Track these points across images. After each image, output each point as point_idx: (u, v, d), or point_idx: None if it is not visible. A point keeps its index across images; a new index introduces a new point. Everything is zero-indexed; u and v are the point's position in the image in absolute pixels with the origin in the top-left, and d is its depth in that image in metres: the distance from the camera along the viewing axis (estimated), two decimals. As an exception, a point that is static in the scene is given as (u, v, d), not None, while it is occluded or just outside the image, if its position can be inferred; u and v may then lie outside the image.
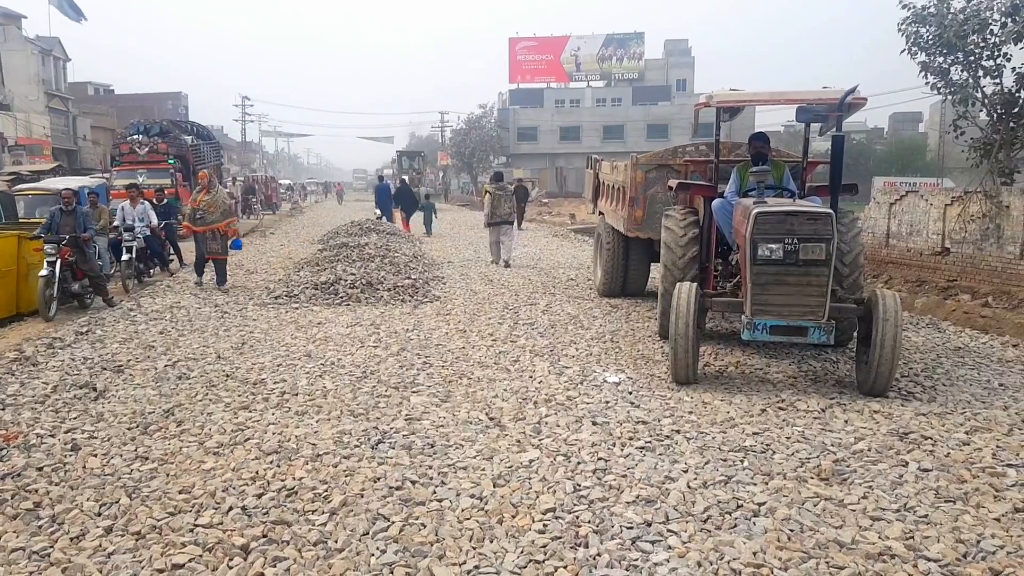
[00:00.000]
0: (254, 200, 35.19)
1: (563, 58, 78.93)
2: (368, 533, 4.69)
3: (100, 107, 61.26)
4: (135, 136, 26.32)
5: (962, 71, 16.39)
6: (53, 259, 11.52)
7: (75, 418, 6.68)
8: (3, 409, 6.92)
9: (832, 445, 6.05)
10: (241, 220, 31.78)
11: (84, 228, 11.90)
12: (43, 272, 11.36)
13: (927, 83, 16.70)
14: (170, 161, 24.86)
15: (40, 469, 5.62)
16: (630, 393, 7.36)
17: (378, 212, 28.67)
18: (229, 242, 14.18)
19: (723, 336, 9.92)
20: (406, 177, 36.37)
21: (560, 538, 4.61)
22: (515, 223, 19.55)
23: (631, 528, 4.73)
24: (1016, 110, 16.13)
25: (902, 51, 16.48)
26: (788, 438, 6.19)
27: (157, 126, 27.37)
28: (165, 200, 17.01)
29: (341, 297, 12.53)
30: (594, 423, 6.48)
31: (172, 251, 16.81)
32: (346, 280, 13.19)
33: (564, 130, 73.77)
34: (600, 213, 14.06)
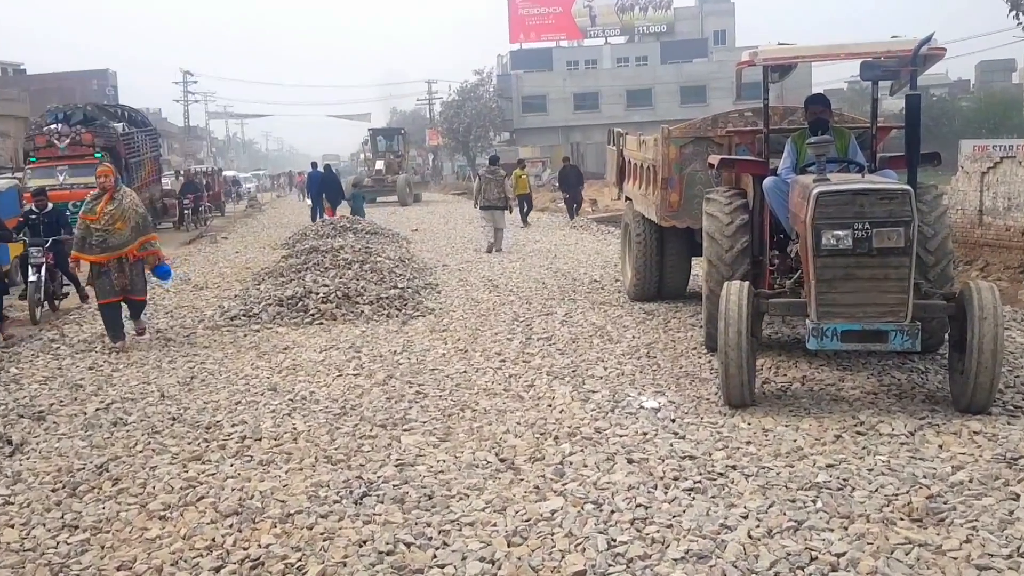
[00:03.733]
0: (199, 201, 33.69)
1: (574, 10, 79.16)
2: (353, 611, 4.65)
3: (8, 91, 61.15)
4: (53, 125, 26.38)
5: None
6: (40, 262, 13.42)
7: (-11, 479, 6.65)
8: (-99, 471, 6.90)
9: (924, 477, 5.98)
10: (183, 229, 31.80)
11: (59, 228, 13.73)
12: (32, 277, 13.39)
13: (1019, 23, 16.62)
14: (97, 155, 24.82)
15: (-53, 545, 5.58)
16: (673, 421, 7.31)
17: (310, 202, 31.34)
18: (148, 271, 11.51)
19: (784, 345, 9.88)
20: (331, 164, 37.70)
21: (592, 608, 4.55)
22: (506, 209, 21.44)
23: (680, 592, 4.66)
24: None
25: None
26: (870, 470, 6.12)
27: (80, 112, 27.43)
28: (49, 206, 14.29)
29: (312, 315, 12.54)
30: (630, 460, 6.43)
31: (65, 281, 14.68)
32: (318, 293, 13.19)
33: (579, 98, 74.02)
34: (627, 199, 14.07)
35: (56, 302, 14.45)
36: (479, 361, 9.72)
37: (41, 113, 29.70)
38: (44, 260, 13.60)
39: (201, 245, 25.64)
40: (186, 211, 31.68)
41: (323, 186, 30.72)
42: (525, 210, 28.07)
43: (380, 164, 47.01)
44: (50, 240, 13.77)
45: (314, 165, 34.93)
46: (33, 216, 14.16)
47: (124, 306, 11.45)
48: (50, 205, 14.32)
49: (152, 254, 11.36)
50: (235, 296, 14.70)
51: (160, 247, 11.63)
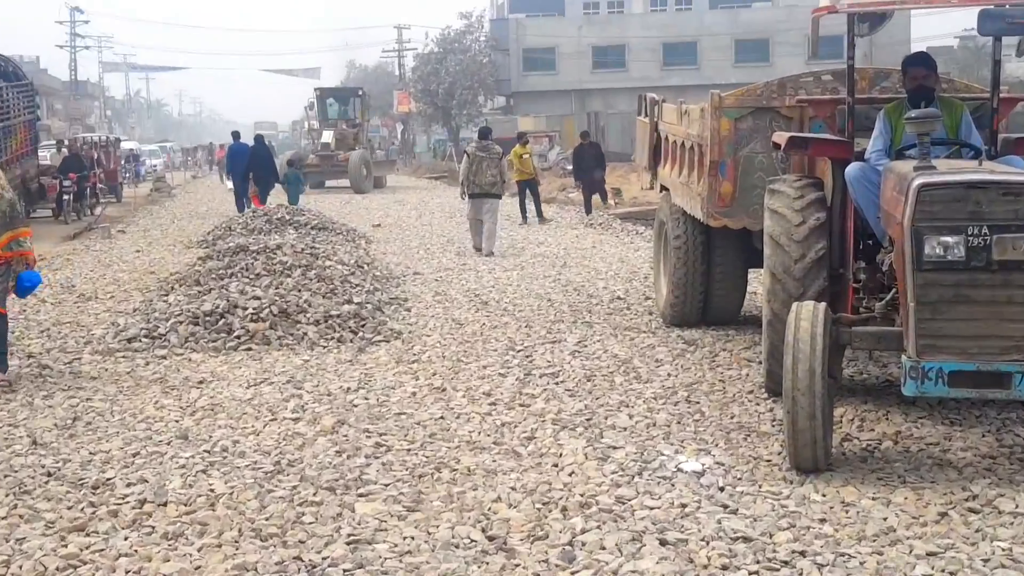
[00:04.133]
0: (86, 182, 33.25)
1: (594, -65, 79.43)
2: None
3: None
4: None
5: None
6: None
7: None
8: None
9: (1060, 571, 5.96)
10: (63, 220, 31.68)
11: None
12: None
13: None
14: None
15: None
16: (721, 490, 7.31)
17: (230, 185, 32.12)
18: (10, 282, 10.73)
19: (872, 390, 9.87)
20: (263, 134, 37.46)
21: None
22: (501, 198, 22.00)
23: None
24: None
25: None
26: (986, 561, 6.11)
27: (-73, 60, 27.40)
28: None
29: (238, 337, 12.54)
30: (663, 542, 6.42)
31: None
32: (246, 308, 13.18)
33: (600, 52, 74.36)
34: (663, 188, 14.09)
35: None
36: (461, 404, 9.72)
37: None
38: None
39: (89, 241, 25.64)
40: (66, 196, 31.34)
41: (251, 164, 30.77)
42: (526, 201, 28.11)
43: (328, 136, 47.19)
44: None
45: (236, 136, 34.71)
46: None
47: None
48: None
49: (19, 256, 10.62)
50: (134, 310, 14.67)
51: (31, 246, 10.94)
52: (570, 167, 47.90)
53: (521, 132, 38.06)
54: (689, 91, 33.23)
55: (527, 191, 28.42)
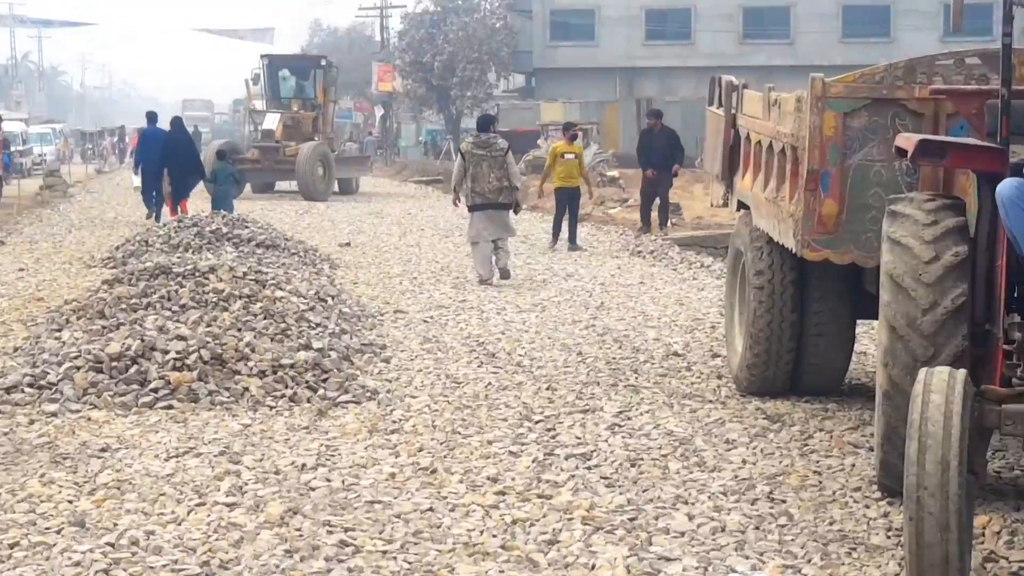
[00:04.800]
0: None
1: None
2: None
3: None
4: None
5: None
6: None
7: None
8: None
9: None
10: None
11: None
12: None
13: None
14: None
15: None
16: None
17: (137, 182, 33.52)
18: None
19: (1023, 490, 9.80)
20: (181, 117, 37.15)
21: None
22: (511, 208, 22.40)
23: None
24: None
25: None
26: None
27: None
28: None
29: (155, 390, 12.57)
30: None
31: None
32: (167, 351, 13.21)
33: (656, 18, 74.63)
34: (740, 205, 14.07)
35: None
36: (457, 491, 9.69)
37: None
38: None
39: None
40: None
41: (166, 156, 31.38)
42: (569, 222, 27.91)
43: (273, 121, 47.42)
44: None
45: (152, 118, 35.38)
46: None
47: None
48: None
49: None
50: (15, 350, 14.71)
51: None
52: (611, 173, 48.08)
53: (569, 123, 36.80)
54: (779, 74, 33.22)
55: (566, 207, 28.03)
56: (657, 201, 30.07)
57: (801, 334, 12.83)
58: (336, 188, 46.70)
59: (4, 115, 68.40)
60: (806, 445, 11.17)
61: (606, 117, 66.95)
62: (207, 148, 38.94)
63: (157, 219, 32.16)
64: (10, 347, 15.00)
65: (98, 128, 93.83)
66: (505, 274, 21.58)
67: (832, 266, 11.97)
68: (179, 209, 31.23)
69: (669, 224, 30.35)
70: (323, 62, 52.46)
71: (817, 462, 10.61)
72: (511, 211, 22.24)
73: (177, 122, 33.83)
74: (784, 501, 9.49)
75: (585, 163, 41.23)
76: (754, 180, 13.54)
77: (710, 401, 12.86)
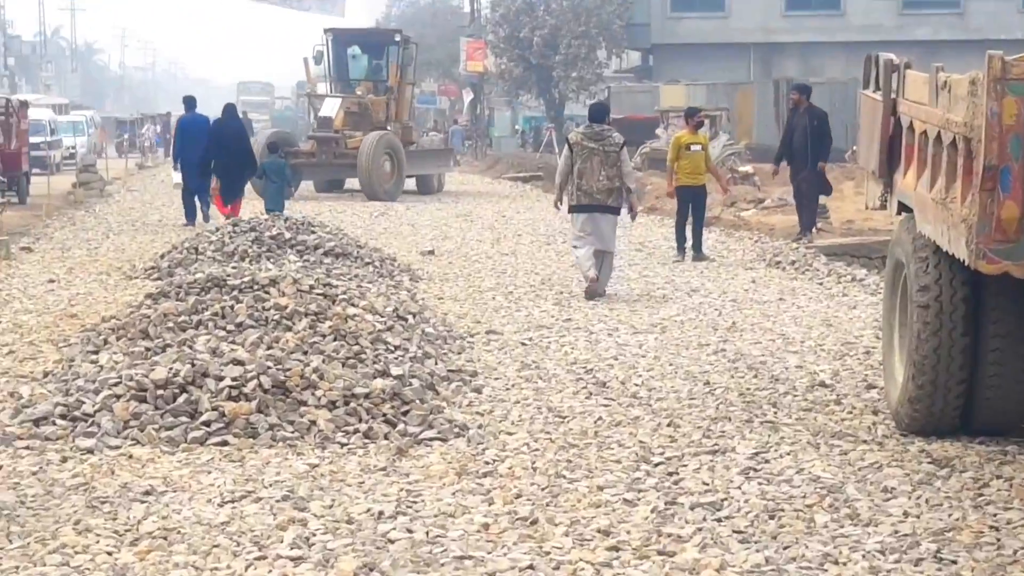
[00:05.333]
0: None
1: None
2: None
3: None
4: None
5: None
6: None
7: None
8: None
9: None
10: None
11: None
12: None
13: None
14: None
15: None
16: None
17: (178, 179, 34.32)
18: None
19: None
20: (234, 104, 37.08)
21: None
22: (618, 212, 22.33)
23: None
24: None
25: None
26: None
27: None
28: None
29: (208, 424, 12.59)
30: None
31: None
32: (221, 378, 13.24)
33: (795, -18, 74.41)
34: (902, 208, 13.93)
35: None
36: (562, 546, 9.63)
37: None
38: None
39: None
40: None
41: (211, 147, 31.81)
42: (693, 226, 27.63)
43: (332, 107, 46.85)
44: None
45: (190, 104, 35.76)
46: None
47: None
48: None
49: None
50: (45, 376, 14.81)
51: None
52: (744, 168, 47.76)
53: (693, 108, 36.06)
54: (947, 50, 32.97)
55: (691, 208, 27.72)
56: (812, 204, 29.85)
57: (975, 361, 12.70)
58: (414, 187, 46.54)
59: (34, 100, 69.09)
60: (980, 495, 10.99)
61: (738, 102, 66.66)
62: (257, 139, 38.86)
63: (197, 221, 32.87)
64: (39, 372, 15.10)
65: (137, 115, 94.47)
66: (600, 292, 21.50)
67: (1013, 280, 11.88)
68: (223, 207, 31.83)
69: (814, 230, 30.13)
70: (398, 37, 51.11)
71: (994, 515, 10.43)
72: (624, 215, 22.35)
73: (230, 109, 34.04)
74: (955, 562, 9.35)
75: (713, 156, 41.15)
76: (918, 178, 13.40)
77: (864, 441, 12.70)
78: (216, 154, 31.23)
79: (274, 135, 41.46)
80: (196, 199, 33.09)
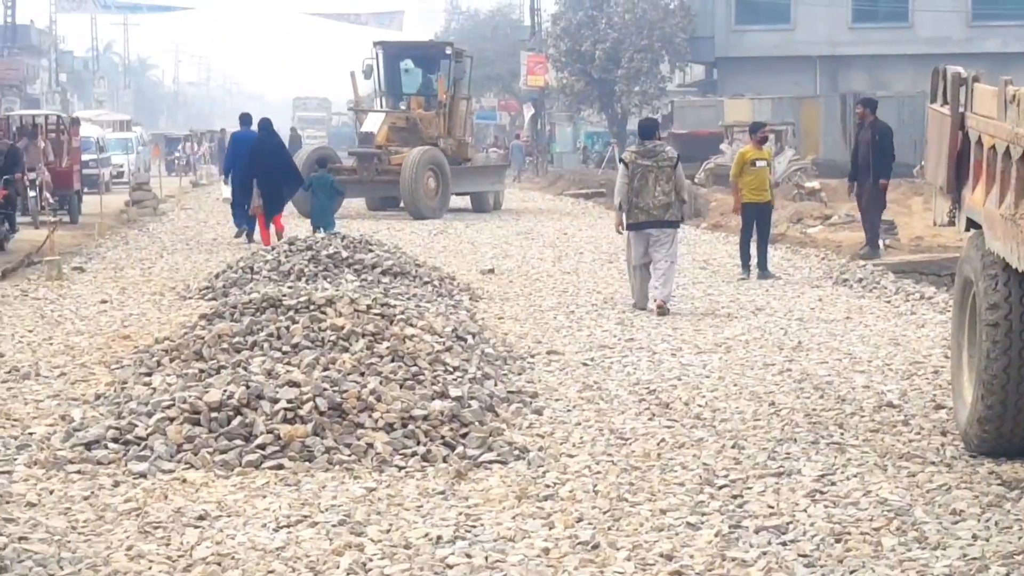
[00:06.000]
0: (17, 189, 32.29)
1: None
2: None
3: None
4: None
5: None
6: None
7: None
8: None
9: None
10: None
11: None
12: None
13: None
14: None
15: None
16: None
17: (227, 192, 35.49)
18: None
19: None
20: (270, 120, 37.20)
21: None
22: (678, 226, 23.16)
23: None
24: None
25: None
26: None
27: None
28: None
29: (262, 447, 12.60)
30: None
31: None
32: (276, 400, 13.26)
33: (860, -3, 74.32)
34: (971, 224, 13.88)
35: None
36: (624, 571, 9.60)
37: None
38: None
39: (28, 283, 26.15)
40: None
41: (258, 164, 32.54)
42: (758, 243, 27.51)
43: (375, 122, 46.81)
44: None
45: (245, 120, 36.61)
46: None
47: None
48: None
49: None
50: (97, 398, 14.86)
51: None
52: (811, 184, 47.67)
53: (757, 123, 35.99)
54: (1018, 62, 32.92)
55: (755, 225, 27.71)
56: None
57: (1045, 381, 12.67)
58: (468, 204, 46.37)
59: (94, 117, 69.31)
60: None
61: (803, 115, 66.52)
62: (304, 154, 38.96)
63: (249, 237, 33.50)
64: (91, 394, 15.14)
65: (189, 131, 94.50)
66: (663, 309, 21.67)
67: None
68: (272, 226, 32.19)
69: (882, 245, 30.09)
70: (449, 50, 50.67)
71: (1068, 539, 10.46)
72: (677, 228, 22.63)
73: (266, 124, 34.45)
74: (1027, 594, 9.38)
75: (779, 171, 40.99)
76: (988, 194, 13.34)
77: (932, 463, 12.64)
78: (255, 170, 31.97)
79: (319, 150, 41.49)
80: (244, 213, 33.75)
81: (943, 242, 27.31)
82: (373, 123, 46.40)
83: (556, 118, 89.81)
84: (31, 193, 40.04)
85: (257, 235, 32.73)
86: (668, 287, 21.98)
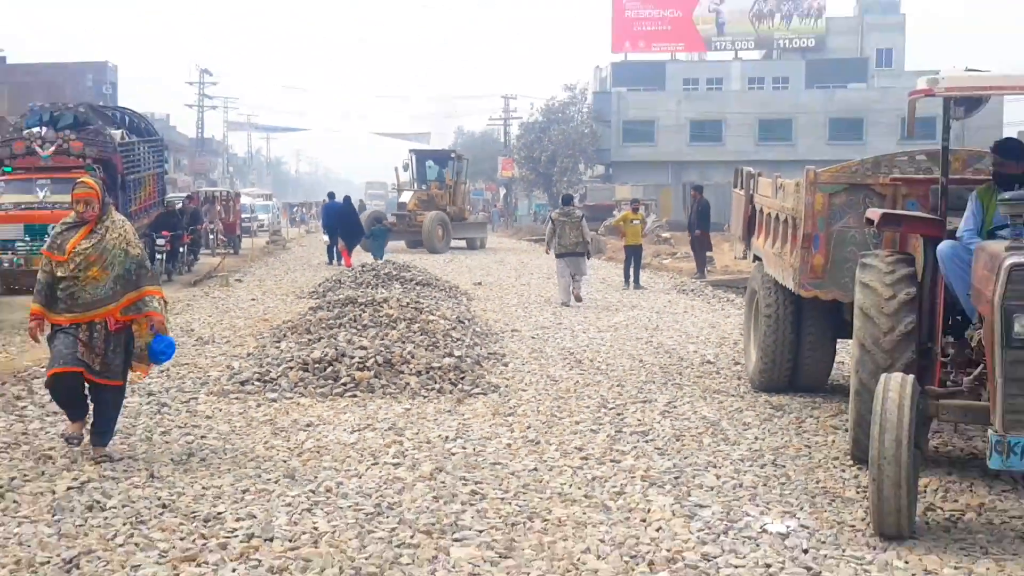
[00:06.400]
0: (179, 242, 30.67)
1: (697, 15, 79.80)
2: None
3: (-17, 82, 63.01)
4: (36, 129, 26.85)
5: None
6: None
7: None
8: None
9: None
10: (197, 258, 32.64)
11: None
12: None
13: None
14: (89, 168, 25.29)
15: None
16: (805, 552, 7.23)
17: (326, 239, 35.44)
18: (143, 343, 9.45)
19: (956, 462, 9.70)
20: (350, 196, 38.68)
21: None
22: (586, 254, 23.34)
23: None
24: None
25: None
26: (1067, 635, 5.95)
27: (70, 114, 27.81)
28: None
29: (344, 384, 12.64)
30: (746, 600, 6.34)
31: None
32: (352, 357, 13.29)
33: (697, 126, 74.35)
34: (755, 258, 13.99)
35: None
36: (554, 457, 9.70)
37: (22, 112, 30.43)
38: None
39: (208, 288, 26.16)
40: (159, 255, 28.26)
41: (339, 221, 34.05)
42: (633, 268, 27.59)
43: (407, 196, 46.49)
44: None
45: (331, 196, 37.63)
46: None
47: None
48: None
49: (147, 319, 9.31)
50: (248, 355, 14.87)
51: (160, 307, 9.47)
52: (665, 235, 47.91)
53: (635, 199, 37.51)
54: (784, 166, 32.95)
55: (632, 258, 27.69)
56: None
57: (797, 348, 12.70)
58: (464, 244, 46.48)
59: (249, 191, 69.19)
60: (800, 427, 11.05)
61: (661, 196, 66.59)
62: (367, 215, 39.52)
63: (331, 263, 34.24)
64: (244, 353, 15.16)
65: (302, 201, 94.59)
66: (579, 298, 22.60)
67: (820, 301, 11.88)
68: (347, 256, 33.56)
69: (706, 271, 30.26)
70: (453, 154, 51.17)
71: (808, 439, 10.49)
72: (584, 256, 22.99)
73: (346, 199, 36.05)
74: (784, 466, 9.42)
75: (647, 227, 41.13)
76: (765, 240, 13.47)
77: (732, 395, 12.75)
78: (341, 226, 33.82)
79: (375, 212, 42.02)
80: (333, 250, 34.93)
81: (740, 269, 27.26)
82: (407, 197, 46.20)
83: (518, 195, 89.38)
84: (211, 236, 40.41)
85: (342, 261, 33.05)
86: (581, 288, 22.88)
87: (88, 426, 9.44)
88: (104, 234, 9.12)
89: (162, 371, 13.67)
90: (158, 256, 27.99)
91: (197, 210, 35.77)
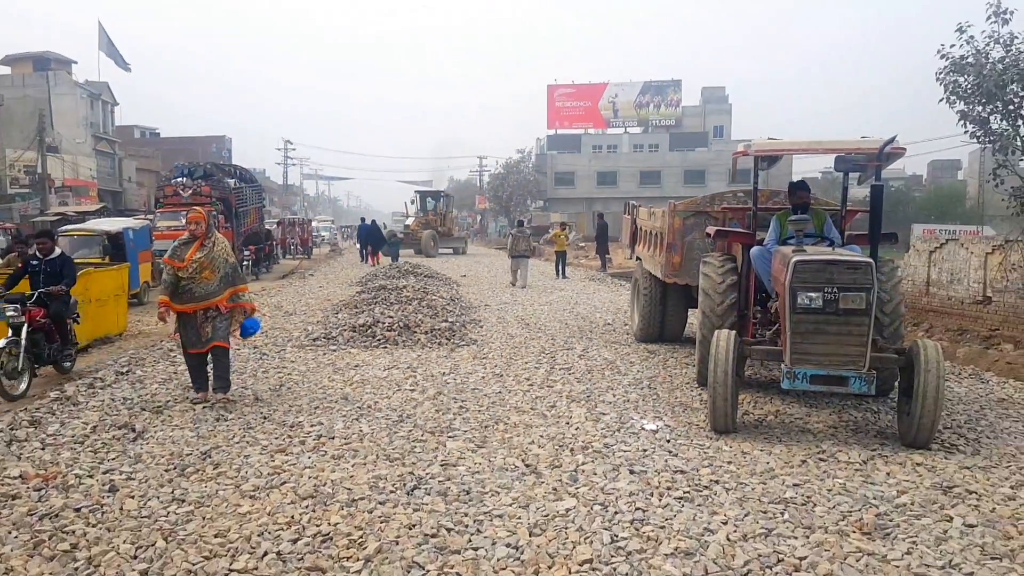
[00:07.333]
0: (261, 253, 30.08)
1: (601, 105, 79.51)
2: (402, 581, 4.64)
3: (146, 150, 62.88)
4: (179, 179, 26.77)
5: (1001, 120, 16.17)
6: (17, 322, 9.30)
7: (113, 459, 6.73)
8: (43, 449, 7.00)
9: (874, 498, 5.90)
10: (278, 262, 32.41)
11: (62, 278, 9.95)
12: (2, 341, 8.96)
13: (966, 131, 16.49)
14: (213, 203, 25.22)
15: (78, 510, 5.65)
16: (668, 441, 7.26)
17: (358, 247, 35.07)
18: (237, 321, 8.83)
19: (762, 384, 9.77)
20: (376, 219, 38.14)
21: (596, 590, 4.52)
22: (530, 257, 23.71)
23: (669, 581, 4.62)
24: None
25: (940, 100, 16.34)
26: (829, 490, 6.05)
27: (201, 169, 27.80)
28: (56, 251, 10.08)
29: (379, 340, 12.57)
30: (631, 471, 6.40)
31: (61, 338, 10.09)
32: (383, 323, 13.24)
33: (601, 175, 74.04)
34: (637, 258, 14.00)
35: (67, 364, 10.24)
36: (511, 384, 9.70)
37: (170, 168, 30.35)
38: (24, 319, 9.39)
39: (291, 281, 25.88)
40: (246, 262, 27.56)
41: (368, 235, 33.97)
42: (561, 266, 27.36)
43: (410, 220, 45.33)
44: (36, 294, 9.72)
45: (363, 220, 37.27)
46: (35, 263, 9.98)
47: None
48: (57, 251, 10.13)
49: (242, 307, 8.83)
50: (317, 322, 14.79)
51: (250, 298, 9.02)
52: (581, 244, 47.72)
53: (564, 221, 37.95)
54: (655, 201, 33.07)
55: (560, 259, 27.61)
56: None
57: (663, 314, 12.72)
58: (450, 251, 45.82)
59: (318, 218, 68.60)
60: (666, 363, 11.06)
61: (579, 220, 66.53)
62: (388, 233, 39.13)
63: (363, 262, 34.09)
64: (315, 321, 15.03)
65: (348, 224, 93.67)
66: (524, 286, 22.50)
67: (678, 285, 11.89)
68: (377, 258, 33.27)
69: (607, 267, 30.27)
70: (443, 193, 49.62)
71: (671, 371, 10.50)
72: (529, 258, 23.30)
73: (373, 221, 35.50)
74: (655, 389, 9.44)
75: (570, 239, 41.07)
76: (643, 247, 13.44)
77: (623, 344, 12.71)
78: (370, 239, 33.74)
79: (391, 230, 41.24)
80: (363, 252, 34.64)
81: (628, 265, 27.26)
82: (412, 221, 44.95)
83: (488, 220, 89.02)
84: (291, 247, 40.19)
85: (372, 260, 33.04)
86: (525, 280, 22.77)
87: (210, 392, 8.82)
88: (212, 247, 8.68)
89: (263, 333, 13.61)
90: (245, 263, 27.29)
91: (270, 231, 34.87)
